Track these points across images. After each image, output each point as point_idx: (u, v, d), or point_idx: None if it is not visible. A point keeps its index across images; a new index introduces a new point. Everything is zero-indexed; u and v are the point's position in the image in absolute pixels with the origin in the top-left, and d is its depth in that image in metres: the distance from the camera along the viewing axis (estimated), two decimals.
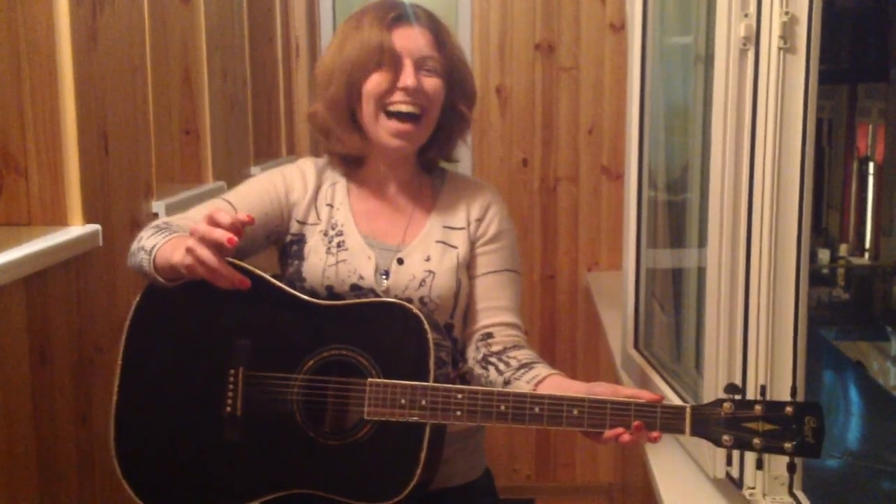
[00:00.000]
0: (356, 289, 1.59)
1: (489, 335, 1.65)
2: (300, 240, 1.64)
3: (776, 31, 1.43)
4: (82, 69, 1.75)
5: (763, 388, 1.42)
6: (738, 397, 1.35)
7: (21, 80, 1.70)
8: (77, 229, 1.73)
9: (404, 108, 1.57)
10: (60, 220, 1.74)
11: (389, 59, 1.57)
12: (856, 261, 3.59)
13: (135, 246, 1.52)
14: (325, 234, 1.63)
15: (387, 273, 1.61)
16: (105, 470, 1.84)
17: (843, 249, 3.61)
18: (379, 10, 1.60)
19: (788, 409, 1.34)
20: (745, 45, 1.45)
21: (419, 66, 1.58)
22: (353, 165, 1.67)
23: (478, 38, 3.62)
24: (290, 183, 1.66)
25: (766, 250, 1.48)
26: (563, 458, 3.81)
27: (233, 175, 2.78)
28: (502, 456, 3.77)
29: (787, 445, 1.33)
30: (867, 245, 3.58)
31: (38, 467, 1.61)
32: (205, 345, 1.51)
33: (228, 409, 1.49)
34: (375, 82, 1.57)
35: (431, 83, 1.59)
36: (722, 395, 1.36)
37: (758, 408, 1.34)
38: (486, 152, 3.66)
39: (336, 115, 1.62)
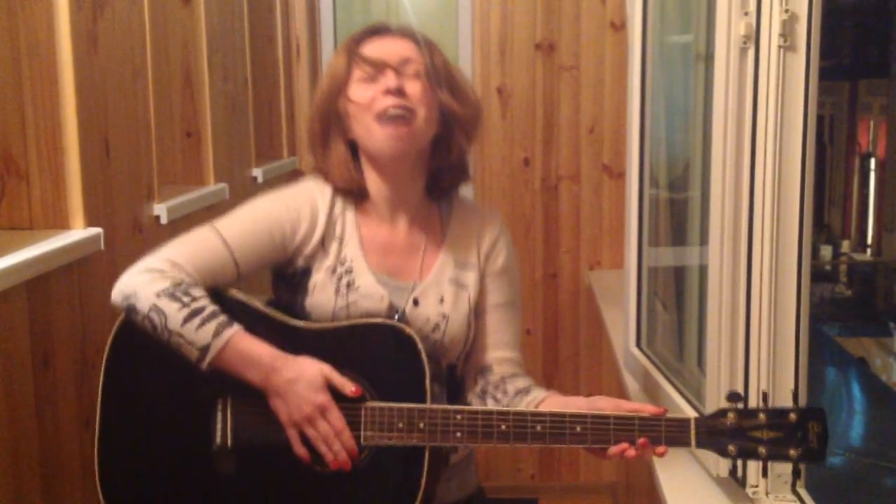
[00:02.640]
0: None
1: (489, 369, 1.62)
2: (305, 272, 1.55)
3: (776, 29, 1.43)
4: (83, 72, 1.75)
5: (765, 394, 1.42)
6: (741, 406, 1.35)
7: (22, 84, 1.71)
8: (79, 233, 1.73)
9: (392, 110, 1.50)
10: (62, 224, 1.74)
11: (368, 70, 1.53)
12: (858, 257, 3.59)
13: (145, 308, 1.42)
14: (333, 272, 1.54)
15: (402, 313, 1.54)
16: None
17: (845, 246, 3.61)
18: (352, 36, 1.58)
19: (792, 415, 1.33)
20: (745, 43, 1.45)
21: (400, 70, 1.52)
22: (357, 196, 1.60)
23: (478, 38, 3.62)
24: (298, 220, 1.55)
25: (768, 247, 1.48)
26: (566, 458, 3.80)
27: (234, 177, 2.78)
28: (506, 455, 3.77)
29: (793, 452, 1.33)
30: (869, 241, 3.58)
31: (42, 471, 1.61)
32: (188, 376, 1.43)
33: (218, 441, 1.44)
34: (359, 95, 1.52)
35: (415, 85, 1.52)
36: (724, 402, 1.36)
37: (761, 416, 1.34)
38: (488, 152, 3.66)
39: (320, 144, 1.58)
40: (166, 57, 2.44)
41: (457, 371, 1.62)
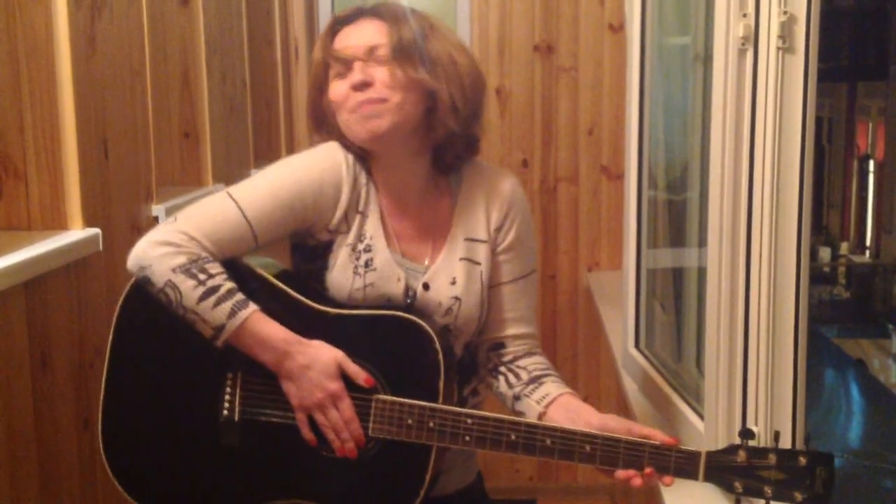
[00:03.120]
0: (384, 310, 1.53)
1: (501, 345, 1.62)
2: (327, 246, 1.54)
3: (775, 31, 1.43)
4: (81, 73, 1.75)
5: (777, 433, 1.41)
6: (752, 443, 1.36)
7: (20, 85, 1.70)
8: (77, 233, 1.73)
9: (362, 105, 1.49)
10: (60, 225, 1.74)
11: (339, 66, 1.52)
12: (856, 259, 3.59)
13: (160, 283, 1.42)
14: (353, 249, 1.53)
15: (413, 295, 1.54)
16: (107, 474, 1.84)
17: (843, 248, 3.61)
18: (327, 25, 1.58)
19: (802, 459, 1.33)
20: (743, 44, 1.45)
21: (368, 58, 1.50)
22: (367, 154, 1.57)
23: (477, 39, 3.62)
24: (320, 191, 1.51)
25: (767, 249, 1.48)
26: None
27: (232, 178, 2.78)
28: (504, 456, 3.76)
29: (798, 496, 1.33)
30: (868, 243, 3.58)
31: (40, 471, 1.61)
32: (200, 345, 1.44)
33: (226, 412, 1.45)
34: (334, 92, 1.52)
35: (382, 72, 1.49)
36: (736, 439, 1.37)
37: (772, 457, 1.34)
38: (486, 153, 3.64)
39: (320, 128, 1.59)
40: (165, 58, 2.44)
41: (471, 347, 1.62)
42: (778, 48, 1.43)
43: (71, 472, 1.72)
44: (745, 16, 1.45)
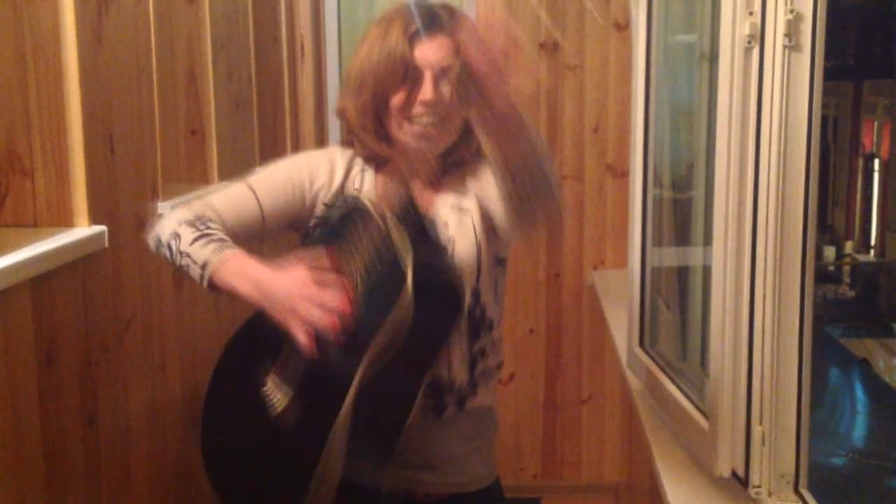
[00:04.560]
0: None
1: None
2: (325, 219, 1.66)
3: (781, 29, 1.43)
4: (88, 70, 1.76)
5: None
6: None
7: (27, 81, 1.71)
8: (83, 230, 1.74)
9: (425, 118, 1.61)
10: (66, 222, 1.74)
11: (411, 75, 1.61)
12: (861, 258, 3.58)
13: (166, 236, 1.56)
14: None
15: None
16: (112, 470, 1.85)
17: (848, 246, 3.60)
18: (404, 21, 1.64)
19: None
20: (749, 43, 1.45)
21: (440, 76, 1.61)
22: (377, 163, 1.72)
23: None
24: (316, 171, 1.69)
25: (772, 248, 1.48)
26: (569, 457, 3.80)
27: (238, 175, 2.77)
28: (508, 455, 3.77)
29: None
30: (873, 242, 3.58)
31: (45, 468, 1.61)
32: None
33: (277, 408, 1.53)
34: (399, 98, 1.62)
35: (448, 91, 1.61)
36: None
37: None
38: None
39: (365, 122, 1.67)
40: (171, 55, 2.44)
41: (481, 297, 1.67)
42: (784, 46, 1.43)
43: (76, 469, 1.73)
44: (751, 14, 1.45)
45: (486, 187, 1.62)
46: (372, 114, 1.66)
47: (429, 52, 1.62)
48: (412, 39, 1.62)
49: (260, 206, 1.65)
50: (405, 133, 1.64)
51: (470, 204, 1.68)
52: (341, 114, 1.72)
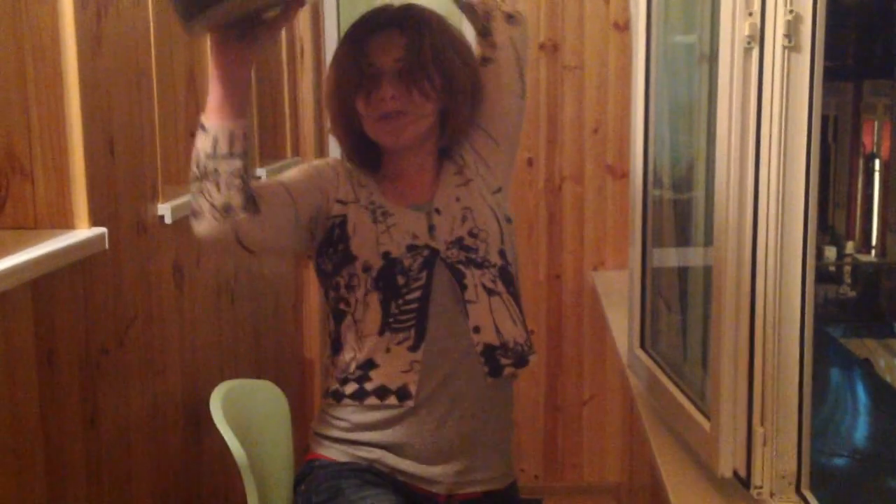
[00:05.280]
0: (412, 248, 1.68)
1: None
2: (342, 221, 1.70)
3: (780, 30, 1.43)
4: (87, 72, 1.76)
5: None
6: None
7: (26, 84, 1.71)
8: (83, 232, 1.73)
9: (392, 114, 1.67)
10: (66, 224, 1.74)
11: (368, 76, 1.67)
12: (862, 258, 3.58)
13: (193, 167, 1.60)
14: (366, 209, 1.71)
15: (432, 227, 1.71)
16: (112, 471, 1.85)
17: (849, 247, 3.60)
18: (355, 28, 1.72)
19: None
20: (749, 43, 1.45)
21: (395, 69, 1.67)
22: (372, 167, 1.79)
23: None
24: (325, 170, 1.75)
25: (773, 248, 1.48)
26: (570, 458, 3.80)
27: None
28: (512, 455, 3.76)
29: None
30: (874, 242, 3.57)
31: (46, 470, 1.61)
32: None
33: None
34: (361, 101, 1.69)
35: (405, 85, 1.67)
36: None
37: None
38: None
39: (343, 132, 1.76)
40: (170, 57, 2.44)
41: (507, 256, 1.75)
42: (784, 47, 1.43)
43: (77, 471, 1.73)
44: (750, 14, 1.45)
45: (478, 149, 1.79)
46: (347, 123, 1.73)
47: (381, 50, 1.67)
48: (362, 42, 1.68)
49: (287, 189, 1.66)
50: (380, 133, 1.70)
51: (471, 173, 1.78)
52: (332, 132, 1.80)
